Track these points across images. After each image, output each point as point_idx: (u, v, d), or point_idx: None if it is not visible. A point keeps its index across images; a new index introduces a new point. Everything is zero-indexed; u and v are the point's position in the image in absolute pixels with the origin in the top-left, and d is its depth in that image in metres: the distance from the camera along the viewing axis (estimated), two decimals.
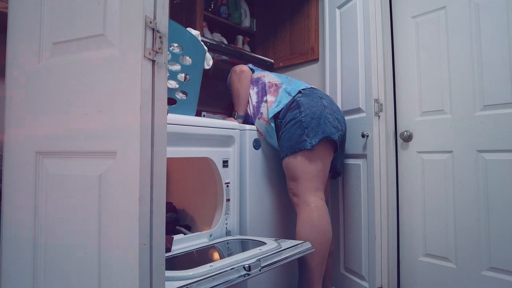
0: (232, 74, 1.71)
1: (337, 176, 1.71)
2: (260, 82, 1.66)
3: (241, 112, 1.68)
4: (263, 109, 1.58)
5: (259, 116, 1.60)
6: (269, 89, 1.60)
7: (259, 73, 1.73)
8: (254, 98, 1.66)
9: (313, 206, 1.42)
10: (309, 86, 1.60)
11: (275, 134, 1.55)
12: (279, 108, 1.52)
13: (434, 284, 1.59)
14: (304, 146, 1.43)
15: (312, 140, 1.42)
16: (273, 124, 1.54)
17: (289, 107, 1.50)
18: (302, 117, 1.45)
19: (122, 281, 0.74)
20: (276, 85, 1.60)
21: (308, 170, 1.44)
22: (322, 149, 1.46)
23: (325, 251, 1.42)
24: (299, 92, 1.53)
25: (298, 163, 1.45)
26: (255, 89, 1.67)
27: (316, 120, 1.45)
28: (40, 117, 0.87)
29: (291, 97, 1.51)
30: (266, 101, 1.58)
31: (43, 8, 0.89)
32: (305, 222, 1.41)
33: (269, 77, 1.67)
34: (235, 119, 1.68)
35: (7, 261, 0.89)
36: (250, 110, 1.67)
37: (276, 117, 1.53)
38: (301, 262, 1.42)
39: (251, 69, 1.75)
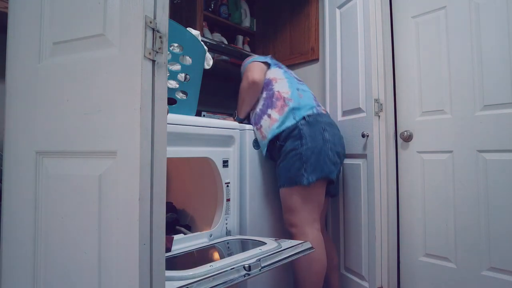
0: (244, 79, 1.58)
1: (332, 197, 1.70)
2: (269, 87, 1.57)
3: (242, 116, 1.65)
4: (264, 122, 1.53)
5: (258, 126, 1.56)
6: (276, 102, 1.52)
7: (273, 74, 1.62)
8: (260, 104, 1.58)
9: (310, 238, 1.40)
10: (315, 106, 1.53)
11: (266, 148, 1.53)
12: (280, 130, 1.48)
13: (434, 284, 1.59)
14: (301, 181, 1.41)
15: (309, 176, 1.41)
16: (267, 142, 1.52)
17: (291, 133, 1.46)
18: (302, 150, 1.42)
19: (122, 281, 0.74)
20: (284, 99, 1.51)
21: (305, 202, 1.44)
22: (319, 184, 1.46)
23: (322, 280, 1.44)
24: (303, 118, 1.47)
25: (295, 196, 1.44)
26: (264, 94, 1.58)
27: (316, 155, 1.42)
28: (40, 117, 0.87)
29: (295, 122, 1.46)
30: (269, 116, 1.51)
31: (43, 8, 0.89)
32: (306, 256, 1.39)
33: (280, 83, 1.57)
34: (235, 119, 1.66)
35: (7, 261, 0.89)
36: (252, 114, 1.62)
37: (276, 137, 1.50)
38: None
39: (267, 63, 1.65)
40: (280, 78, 1.59)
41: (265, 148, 1.54)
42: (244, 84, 1.58)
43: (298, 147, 1.43)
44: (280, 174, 1.49)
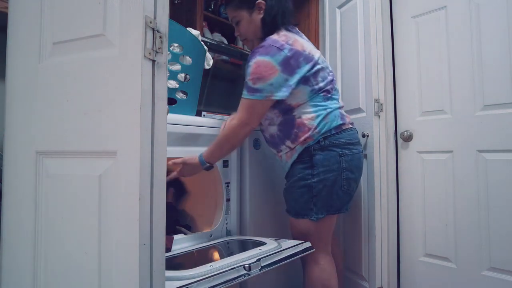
0: (239, 119, 1.25)
1: None
2: (288, 113, 1.28)
3: (213, 161, 1.29)
4: (284, 150, 1.33)
5: (277, 150, 1.37)
6: (298, 134, 1.28)
7: (296, 99, 1.27)
8: (273, 127, 1.32)
9: (322, 264, 1.31)
10: (337, 124, 1.29)
11: (285, 170, 1.39)
12: (296, 157, 1.32)
13: (434, 284, 1.59)
14: (309, 216, 1.27)
15: (318, 211, 1.27)
16: (288, 167, 1.35)
17: (302, 156, 1.29)
18: (313, 181, 1.25)
19: (122, 281, 0.74)
20: (309, 130, 1.26)
21: (316, 233, 1.31)
22: (330, 217, 1.32)
23: None
24: (318, 141, 1.26)
25: (304, 227, 1.31)
26: (279, 118, 1.30)
27: (328, 188, 1.25)
28: (40, 117, 0.87)
29: (307, 145, 1.27)
30: (290, 148, 1.31)
31: (43, 8, 0.89)
32: (316, 283, 1.30)
33: (304, 107, 1.28)
34: (197, 163, 1.27)
35: (7, 261, 0.89)
36: (265, 133, 1.40)
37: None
38: None
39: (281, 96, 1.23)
40: (303, 102, 1.28)
41: (285, 169, 1.40)
42: (236, 125, 1.25)
43: (308, 177, 1.26)
44: (287, 200, 1.36)
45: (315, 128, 1.27)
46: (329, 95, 1.32)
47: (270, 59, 1.23)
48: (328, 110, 1.29)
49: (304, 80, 1.26)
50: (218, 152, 1.29)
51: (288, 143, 1.31)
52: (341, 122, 1.31)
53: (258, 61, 1.24)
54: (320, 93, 1.30)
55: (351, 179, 1.29)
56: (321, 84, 1.30)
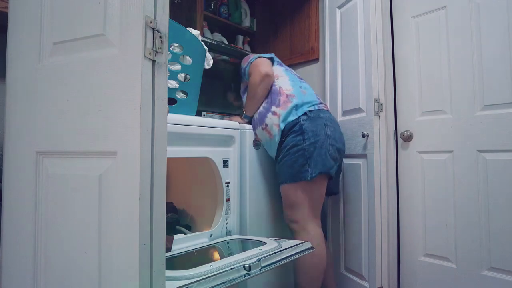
0: (255, 73, 1.55)
1: (333, 194, 1.71)
2: (272, 84, 1.57)
3: (251, 114, 1.61)
4: (269, 120, 1.51)
5: (263, 126, 1.53)
6: (279, 98, 1.51)
7: (275, 71, 1.61)
8: (263, 102, 1.57)
9: (312, 234, 1.42)
10: (317, 103, 1.53)
11: (276, 148, 1.51)
12: (282, 126, 1.48)
13: (434, 284, 1.59)
14: (305, 176, 1.40)
15: (312, 171, 1.41)
16: (277, 141, 1.50)
17: (292, 128, 1.46)
18: (305, 145, 1.42)
19: (122, 281, 0.74)
20: (287, 96, 1.51)
21: (308, 198, 1.44)
22: (320, 179, 1.45)
23: (321, 277, 1.45)
24: (305, 113, 1.47)
25: (298, 191, 1.44)
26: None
27: (318, 150, 1.42)
28: (40, 117, 0.88)
29: (296, 117, 1.47)
30: (274, 113, 1.50)
31: (43, 8, 0.89)
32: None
33: (282, 80, 1.56)
34: (242, 118, 1.62)
35: (7, 261, 0.89)
36: (255, 115, 1.60)
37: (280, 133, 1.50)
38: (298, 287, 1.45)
39: (271, 59, 1.64)
40: (282, 76, 1.58)
41: (275, 148, 1.51)
42: (255, 78, 1.53)
43: (300, 143, 1.43)
44: (282, 171, 1.47)
45: (293, 96, 1.51)
46: (303, 81, 1.64)
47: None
48: (304, 87, 1.58)
49: (279, 64, 1.66)
50: (250, 105, 1.60)
51: (273, 108, 1.51)
52: (318, 100, 1.56)
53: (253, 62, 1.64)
54: (295, 75, 1.64)
55: (335, 147, 1.48)
56: (294, 72, 1.68)
